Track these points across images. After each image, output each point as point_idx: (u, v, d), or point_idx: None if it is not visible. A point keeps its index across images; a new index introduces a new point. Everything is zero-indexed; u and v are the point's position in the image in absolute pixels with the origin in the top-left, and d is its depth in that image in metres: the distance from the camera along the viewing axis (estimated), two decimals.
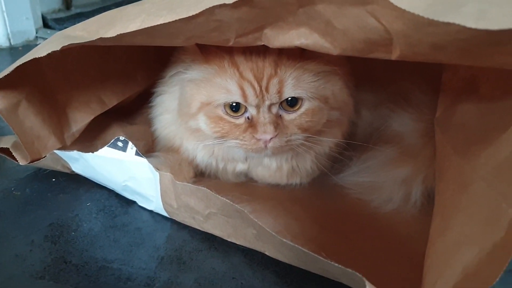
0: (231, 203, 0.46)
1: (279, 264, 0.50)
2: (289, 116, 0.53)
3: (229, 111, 0.53)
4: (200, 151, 0.61)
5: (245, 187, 0.65)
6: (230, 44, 0.43)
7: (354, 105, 0.62)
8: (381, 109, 0.69)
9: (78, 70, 0.66)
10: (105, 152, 0.54)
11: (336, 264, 0.39)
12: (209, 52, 0.51)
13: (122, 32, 0.40)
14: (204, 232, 0.55)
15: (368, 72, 0.67)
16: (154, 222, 0.58)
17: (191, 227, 0.56)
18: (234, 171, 0.64)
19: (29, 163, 0.59)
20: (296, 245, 0.41)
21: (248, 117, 0.53)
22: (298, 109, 0.53)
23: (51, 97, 0.62)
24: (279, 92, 0.51)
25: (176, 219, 0.57)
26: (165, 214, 0.58)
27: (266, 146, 0.52)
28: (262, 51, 0.50)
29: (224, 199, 0.46)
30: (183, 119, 0.58)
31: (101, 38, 0.41)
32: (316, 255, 0.40)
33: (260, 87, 0.50)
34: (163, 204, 0.55)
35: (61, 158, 0.60)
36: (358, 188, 0.64)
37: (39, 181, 0.66)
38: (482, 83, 0.52)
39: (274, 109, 0.52)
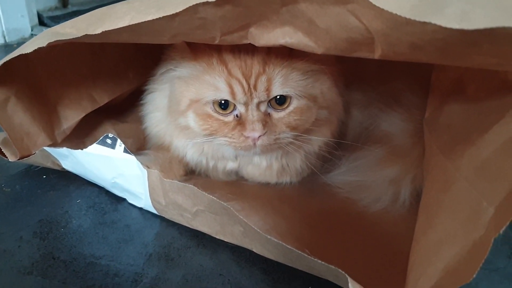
0: (218, 200, 0.46)
1: (266, 261, 0.50)
2: (278, 114, 0.54)
3: (217, 108, 0.53)
4: (190, 149, 0.61)
5: (234, 186, 0.65)
6: (216, 42, 0.43)
7: (343, 104, 0.62)
8: (371, 109, 0.69)
9: (70, 67, 0.66)
10: (94, 149, 0.54)
11: (320, 261, 0.39)
12: (198, 49, 0.52)
13: (108, 29, 0.40)
14: (192, 229, 0.55)
15: (359, 72, 0.68)
16: (143, 219, 0.58)
17: (180, 224, 0.56)
18: (225, 170, 0.65)
19: (18, 159, 0.59)
20: (281, 242, 0.41)
21: (236, 115, 0.53)
22: (286, 107, 0.53)
23: (41, 94, 0.62)
24: (267, 90, 0.51)
25: (165, 217, 0.57)
26: (154, 211, 0.58)
27: (254, 144, 0.52)
28: (251, 49, 0.50)
29: (211, 196, 0.46)
30: (173, 117, 0.59)
31: (86, 35, 0.42)
32: (300, 252, 0.40)
33: (249, 84, 0.51)
34: (151, 201, 0.55)
35: (51, 154, 0.60)
36: (347, 187, 0.64)
37: (29, 178, 0.66)
38: (468, 84, 0.52)
39: (263, 107, 0.53)
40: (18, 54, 0.48)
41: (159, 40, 0.43)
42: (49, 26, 1.37)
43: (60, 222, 0.57)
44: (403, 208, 0.61)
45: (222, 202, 0.46)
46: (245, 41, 0.43)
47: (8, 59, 0.49)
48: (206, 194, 0.47)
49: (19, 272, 0.49)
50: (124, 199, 0.62)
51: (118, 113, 0.79)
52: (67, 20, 0.48)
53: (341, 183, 0.65)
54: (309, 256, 0.40)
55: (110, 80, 0.73)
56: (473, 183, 0.41)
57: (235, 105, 0.53)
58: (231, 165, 0.64)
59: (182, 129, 0.59)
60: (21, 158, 0.59)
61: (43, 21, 1.40)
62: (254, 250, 0.50)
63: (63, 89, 0.66)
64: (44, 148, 0.59)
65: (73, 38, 0.43)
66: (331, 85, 0.57)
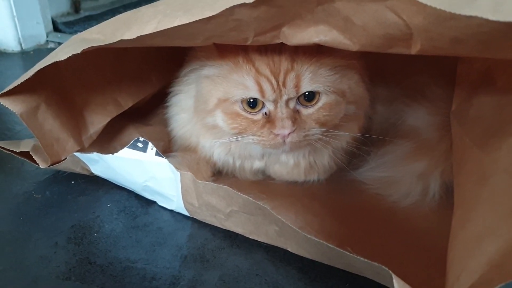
0: (254, 200, 0.46)
1: (302, 260, 0.50)
2: (307, 111, 0.53)
3: (246, 107, 0.53)
4: (217, 148, 0.62)
5: (263, 185, 0.66)
6: (249, 43, 0.43)
7: (370, 99, 0.62)
8: (397, 104, 0.69)
9: (95, 72, 0.67)
10: (125, 153, 0.55)
11: (363, 259, 0.39)
12: (224, 48, 0.52)
13: (141, 34, 0.40)
14: (225, 230, 0.55)
15: (383, 67, 0.67)
16: (175, 221, 0.59)
17: (212, 225, 0.57)
18: (252, 169, 0.65)
19: (49, 166, 0.60)
20: (320, 241, 0.41)
21: (265, 113, 0.53)
22: (315, 103, 0.53)
23: (69, 100, 0.63)
24: (297, 86, 0.51)
25: (197, 218, 0.58)
26: (185, 213, 0.58)
27: (284, 141, 0.52)
28: (278, 46, 0.50)
29: (246, 196, 0.47)
30: (200, 116, 0.59)
31: (121, 40, 0.42)
32: (341, 250, 0.40)
33: (277, 82, 0.50)
34: (184, 204, 0.56)
35: (80, 160, 0.61)
36: (376, 183, 0.64)
37: (58, 183, 0.67)
38: (498, 76, 0.52)
39: (292, 104, 0.53)
40: (52, 61, 0.48)
41: (192, 42, 0.43)
42: (64, 32, 1.38)
43: (92, 227, 0.58)
44: (433, 202, 0.61)
45: (258, 202, 0.46)
46: (277, 41, 0.43)
47: (41, 67, 0.49)
48: (242, 194, 0.47)
49: (58, 278, 0.49)
50: (154, 202, 0.62)
51: (141, 116, 0.80)
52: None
53: (369, 179, 0.65)
54: (351, 254, 0.40)
55: (133, 84, 0.74)
56: None
57: (263, 103, 0.53)
58: (257, 164, 0.64)
59: (209, 129, 0.59)
60: (52, 164, 0.60)
61: (57, 27, 1.41)
62: (289, 249, 0.50)
63: (89, 94, 0.66)
64: (74, 153, 0.59)
65: (107, 44, 0.44)
66: (359, 79, 0.57)
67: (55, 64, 0.50)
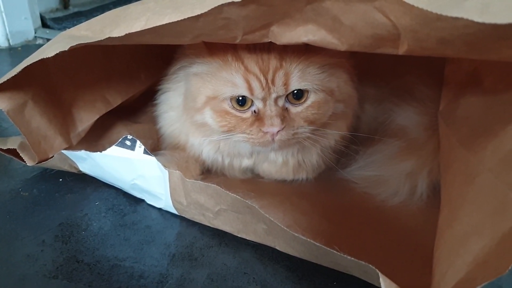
0: (242, 199, 0.46)
1: (289, 258, 0.50)
2: (296, 109, 0.54)
3: (235, 105, 0.53)
4: (206, 146, 0.62)
5: (251, 183, 0.66)
6: (237, 41, 0.43)
7: (358, 98, 0.62)
8: (386, 103, 0.69)
9: (83, 69, 0.66)
10: (114, 151, 0.54)
11: (350, 257, 0.39)
12: (213, 46, 0.52)
13: (129, 32, 0.40)
14: (214, 228, 0.55)
15: (372, 67, 0.67)
16: (163, 219, 0.59)
17: (201, 224, 0.57)
18: (240, 167, 0.65)
19: (36, 163, 0.60)
20: (308, 239, 0.41)
21: (254, 111, 0.53)
22: (304, 101, 0.54)
23: (56, 97, 0.63)
24: (285, 84, 0.51)
25: (185, 217, 0.58)
26: (174, 211, 0.58)
27: (273, 139, 0.53)
28: (267, 45, 0.50)
29: (235, 195, 0.47)
30: (189, 114, 0.59)
31: (109, 37, 0.42)
32: (329, 248, 0.40)
33: (266, 80, 0.51)
34: (172, 202, 0.56)
35: (68, 158, 0.60)
36: (364, 182, 0.64)
37: (46, 181, 0.66)
38: (485, 76, 0.53)
39: (281, 102, 0.53)
40: (39, 58, 0.47)
41: (181, 40, 0.43)
42: (52, 28, 1.37)
43: (80, 225, 0.57)
44: (421, 201, 0.61)
45: (247, 201, 0.46)
46: (266, 40, 0.43)
47: (28, 64, 0.49)
48: (230, 193, 0.47)
49: (45, 277, 0.49)
50: (142, 200, 0.62)
51: (130, 114, 0.80)
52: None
53: (358, 178, 0.65)
54: (338, 253, 0.40)
55: (122, 81, 0.73)
56: (498, 175, 0.41)
57: (252, 101, 0.53)
58: (246, 162, 0.64)
59: (199, 127, 0.59)
60: (39, 162, 0.60)
61: (45, 23, 1.39)
62: (277, 248, 0.50)
63: (77, 91, 0.66)
64: (62, 151, 0.59)
65: (95, 41, 0.43)
66: (347, 78, 0.57)
67: (43, 60, 0.49)
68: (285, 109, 0.53)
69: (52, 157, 0.60)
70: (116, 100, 0.72)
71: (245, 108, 0.53)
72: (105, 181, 0.64)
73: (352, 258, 0.39)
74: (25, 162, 0.60)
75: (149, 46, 0.77)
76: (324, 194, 0.64)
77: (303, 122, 0.54)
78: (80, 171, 0.64)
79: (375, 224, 0.58)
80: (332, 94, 0.55)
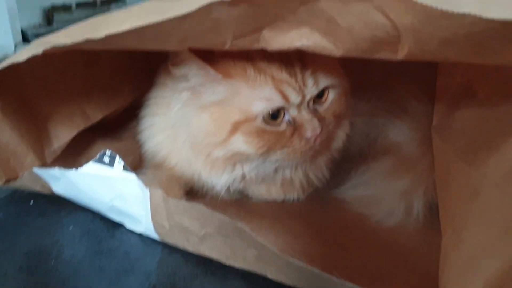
0: (231, 220, 0.42)
1: (282, 287, 0.46)
2: (322, 107, 0.53)
3: (268, 120, 0.50)
4: (223, 178, 0.55)
5: (239, 205, 0.61)
6: (227, 46, 0.40)
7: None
8: (377, 118, 0.67)
9: (62, 80, 0.61)
10: (90, 168, 0.50)
11: (352, 284, 0.35)
12: (225, 65, 0.48)
13: (109, 33, 0.37)
14: (198, 255, 0.50)
15: (362, 80, 0.66)
16: (143, 245, 0.54)
17: (185, 250, 0.52)
18: (229, 189, 0.60)
19: (4, 183, 0.54)
20: (305, 265, 0.37)
21: (289, 121, 0.51)
22: (326, 99, 0.53)
23: (30, 109, 0.57)
24: (316, 83, 0.50)
25: (168, 242, 0.53)
26: (155, 237, 0.53)
27: (316, 143, 0.51)
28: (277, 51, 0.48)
29: (223, 216, 0.42)
30: (203, 152, 0.53)
31: (88, 40, 0.38)
32: (328, 275, 0.36)
33: (297, 83, 0.49)
34: (153, 225, 0.51)
35: (40, 177, 0.55)
36: (358, 202, 0.61)
37: (15, 204, 0.61)
38: (480, 88, 0.51)
39: (311, 104, 0.51)
40: (10, 63, 0.43)
41: (166, 45, 0.40)
42: None
43: (50, 253, 0.52)
44: (418, 222, 0.58)
45: (236, 223, 0.42)
46: (257, 46, 0.40)
47: None
48: (218, 214, 0.43)
49: None
50: (121, 225, 0.57)
51: (113, 131, 0.75)
52: None
53: (351, 198, 0.62)
54: (338, 280, 0.36)
55: (104, 95, 0.69)
56: (504, 190, 0.39)
57: (284, 112, 0.50)
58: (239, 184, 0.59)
59: (223, 161, 0.53)
60: (7, 181, 0.54)
61: (27, 39, 1.35)
62: (268, 275, 0.46)
63: (54, 104, 0.61)
64: (34, 170, 0.54)
65: (73, 44, 0.40)
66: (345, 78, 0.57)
67: (15, 68, 0.45)
68: (315, 110, 0.52)
69: (21, 175, 0.54)
70: (96, 115, 0.67)
71: (279, 121, 0.50)
72: (81, 204, 0.59)
73: (355, 285, 0.35)
74: None
75: (134, 59, 0.73)
76: (317, 215, 0.60)
77: (332, 118, 0.53)
78: (53, 192, 0.59)
79: (372, 246, 0.54)
80: (344, 87, 0.55)
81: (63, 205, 0.60)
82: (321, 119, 0.51)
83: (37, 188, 0.58)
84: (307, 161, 0.58)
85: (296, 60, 0.49)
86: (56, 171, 0.52)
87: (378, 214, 0.59)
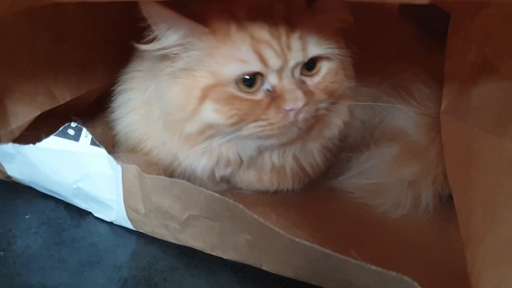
0: (220, 197, 0.35)
1: (281, 281, 0.38)
2: (313, 80, 0.46)
3: (242, 87, 0.43)
4: (203, 159, 0.49)
5: (228, 196, 0.54)
6: None
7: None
8: (380, 103, 0.61)
9: (23, 52, 0.54)
10: (51, 142, 0.42)
11: (374, 267, 0.28)
12: (212, 18, 0.42)
13: None
14: (179, 245, 0.43)
15: (365, 64, 0.60)
16: (114, 236, 0.46)
17: (163, 240, 0.44)
18: (214, 177, 0.53)
19: None
20: (315, 245, 0.30)
21: (268, 89, 0.43)
22: (318, 71, 0.46)
23: None
24: (303, 49, 0.43)
25: (143, 231, 0.45)
26: (129, 225, 0.45)
27: (296, 119, 0.43)
28: (270, 10, 0.43)
29: (211, 192, 0.35)
30: (176, 129, 0.47)
31: None
32: (345, 256, 0.29)
33: (280, 45, 0.42)
34: (126, 211, 0.43)
35: None
36: (361, 192, 0.55)
37: None
38: (501, 62, 0.47)
39: (297, 73, 0.44)
40: None
41: None
42: None
43: None
44: (428, 214, 0.53)
45: (227, 199, 0.34)
46: None
47: None
48: (205, 190, 0.35)
49: None
50: (89, 213, 0.48)
51: (85, 119, 0.67)
52: None
53: (353, 187, 0.56)
54: (357, 262, 0.29)
55: (74, 75, 0.61)
56: None
57: (263, 79, 0.43)
58: (225, 169, 0.52)
59: (194, 137, 0.47)
60: None
61: None
62: (264, 267, 0.38)
63: (14, 79, 0.53)
64: None
65: None
66: (346, 52, 0.50)
67: None
68: (303, 82, 0.45)
69: None
70: (64, 95, 0.59)
71: (255, 89, 0.43)
72: (41, 189, 0.50)
73: (379, 268, 0.28)
74: None
75: (109, 39, 0.66)
76: (315, 205, 0.54)
77: (324, 95, 0.46)
78: (8, 176, 0.50)
79: (380, 238, 0.48)
80: (343, 63, 0.48)
81: (20, 192, 0.52)
82: (308, 94, 0.44)
83: None
84: (295, 145, 0.51)
85: (282, 20, 0.43)
86: (9, 147, 0.44)
87: (384, 204, 0.53)
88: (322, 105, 0.46)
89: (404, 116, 0.59)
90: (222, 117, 0.43)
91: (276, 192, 0.56)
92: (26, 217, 0.48)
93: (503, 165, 0.36)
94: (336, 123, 0.53)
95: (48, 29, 0.58)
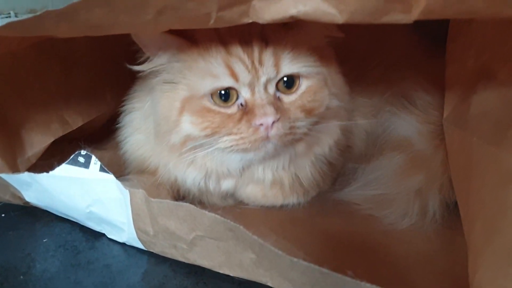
0: (223, 218, 0.36)
1: None
2: (289, 98, 0.45)
3: (217, 101, 0.44)
4: (191, 172, 0.50)
5: (234, 212, 0.55)
6: (211, 22, 0.35)
7: (349, 93, 0.54)
8: (382, 114, 0.62)
9: (35, 84, 0.57)
10: (63, 170, 0.44)
11: (370, 285, 0.29)
12: (198, 32, 0.44)
13: (75, 3, 0.32)
14: (188, 264, 0.44)
15: (367, 74, 0.61)
16: (127, 256, 0.47)
17: (173, 259, 0.45)
18: (220, 191, 0.54)
19: None
20: (311, 265, 0.31)
21: (241, 104, 0.44)
22: (297, 89, 0.46)
23: (1, 115, 0.53)
24: (276, 65, 0.43)
25: (153, 251, 0.46)
26: (140, 246, 0.47)
27: (268, 135, 0.43)
28: (247, 25, 0.42)
29: (213, 214, 0.37)
30: (164, 140, 0.48)
31: (47, 12, 0.33)
32: (341, 274, 0.30)
33: (252, 60, 0.43)
34: (136, 232, 0.45)
35: (9, 184, 0.49)
36: (367, 203, 0.55)
37: None
38: (499, 69, 0.46)
39: (271, 89, 0.44)
40: None
41: (142, 18, 0.35)
42: None
43: (19, 268, 0.45)
44: (435, 222, 0.53)
45: (229, 221, 0.36)
46: (246, 20, 0.35)
47: None
48: (207, 212, 0.37)
49: None
50: (102, 235, 0.50)
51: (96, 141, 0.69)
52: None
53: (360, 199, 0.56)
54: (353, 280, 0.30)
55: (84, 101, 0.64)
56: None
57: (237, 94, 0.44)
58: (227, 184, 0.53)
59: (178, 149, 0.48)
60: None
61: None
62: (270, 284, 0.39)
63: (28, 110, 0.56)
64: (1, 176, 0.48)
65: (31, 23, 0.34)
66: (336, 68, 0.50)
67: None
68: (277, 98, 0.45)
69: None
70: (76, 121, 0.62)
71: (230, 104, 0.44)
72: (57, 213, 0.53)
73: (374, 286, 0.29)
74: None
75: (117, 63, 0.68)
76: (323, 219, 0.54)
77: (300, 113, 0.45)
78: (26, 202, 0.53)
79: (385, 250, 0.48)
80: (325, 81, 0.47)
81: (38, 217, 0.54)
82: (282, 110, 0.44)
83: (7, 197, 0.52)
84: (280, 160, 0.51)
85: (257, 36, 0.43)
86: (26, 176, 0.46)
87: (391, 215, 0.53)
88: (301, 124, 0.46)
89: (407, 125, 0.60)
90: (197, 128, 0.45)
91: (281, 207, 0.56)
92: (44, 240, 0.50)
93: (499, 176, 0.36)
94: (326, 141, 0.53)
95: (57, 58, 0.61)
